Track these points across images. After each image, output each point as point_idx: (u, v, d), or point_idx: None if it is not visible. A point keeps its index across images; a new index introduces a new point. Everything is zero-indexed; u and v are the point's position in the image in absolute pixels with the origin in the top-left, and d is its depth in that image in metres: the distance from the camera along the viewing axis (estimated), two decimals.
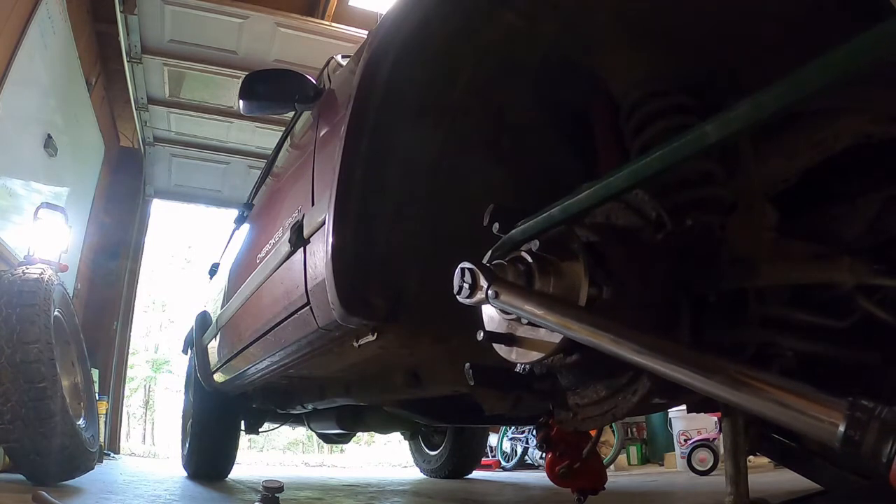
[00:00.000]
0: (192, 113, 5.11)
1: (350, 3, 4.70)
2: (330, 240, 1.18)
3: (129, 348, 6.15)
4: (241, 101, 1.82)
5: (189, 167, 5.97)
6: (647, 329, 0.81)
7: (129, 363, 7.20)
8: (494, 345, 0.88)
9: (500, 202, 0.91)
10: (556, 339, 0.79)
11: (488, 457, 5.57)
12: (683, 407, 1.38)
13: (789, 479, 1.75)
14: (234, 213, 3.11)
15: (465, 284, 0.83)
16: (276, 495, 1.52)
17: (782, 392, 0.48)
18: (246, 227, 2.59)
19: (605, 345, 0.64)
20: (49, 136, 3.76)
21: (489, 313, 0.91)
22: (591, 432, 1.36)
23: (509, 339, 0.86)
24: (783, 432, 1.27)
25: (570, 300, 0.78)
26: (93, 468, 2.48)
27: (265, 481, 1.52)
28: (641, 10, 0.96)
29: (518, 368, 0.89)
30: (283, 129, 2.75)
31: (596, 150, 1.14)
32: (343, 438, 3.93)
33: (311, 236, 1.42)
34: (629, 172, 0.71)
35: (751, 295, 0.85)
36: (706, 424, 4.13)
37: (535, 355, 0.83)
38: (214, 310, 2.81)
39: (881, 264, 0.75)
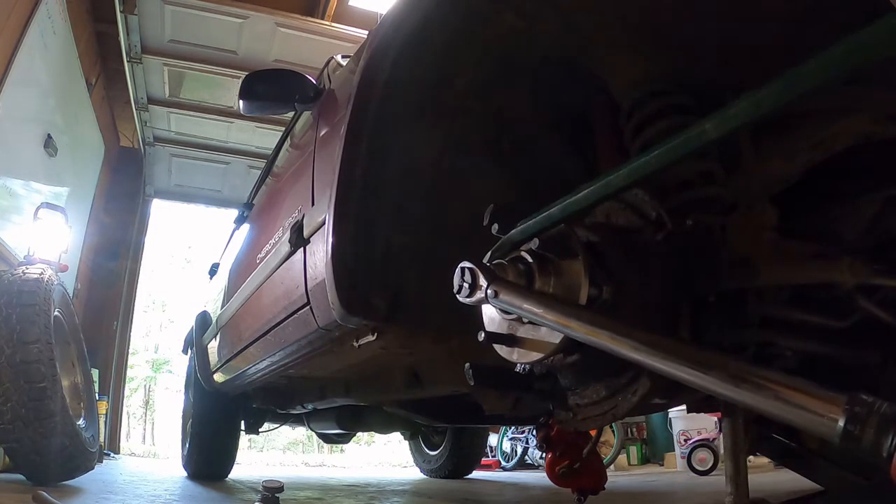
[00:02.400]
0: (192, 113, 5.11)
1: (350, 3, 4.70)
2: (330, 240, 1.18)
3: (129, 348, 6.15)
4: (241, 101, 1.82)
5: (189, 167, 5.97)
6: (647, 329, 0.82)
7: (129, 363, 7.20)
8: (495, 345, 0.88)
9: (500, 202, 0.91)
10: (557, 338, 0.79)
11: (488, 457, 5.56)
12: (683, 407, 1.38)
13: (789, 479, 1.75)
14: (234, 213, 3.11)
15: (464, 284, 0.83)
16: (276, 495, 1.52)
17: (782, 387, 0.48)
18: (246, 227, 2.59)
19: (604, 342, 0.64)
20: (49, 136, 3.76)
21: (489, 314, 0.91)
22: (591, 432, 1.36)
23: (510, 340, 0.86)
24: (783, 432, 1.27)
25: (569, 299, 0.78)
26: (93, 468, 2.48)
27: (265, 481, 1.52)
28: (641, 10, 0.96)
29: (518, 368, 0.89)
30: (283, 129, 2.75)
31: (596, 150, 1.14)
32: (343, 438, 3.93)
33: (311, 236, 1.42)
34: (629, 171, 0.71)
35: (751, 295, 0.85)
36: (706, 424, 4.13)
37: (536, 355, 0.83)
38: (214, 310, 2.81)
39: (881, 264, 0.75)
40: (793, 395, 0.47)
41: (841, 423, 0.43)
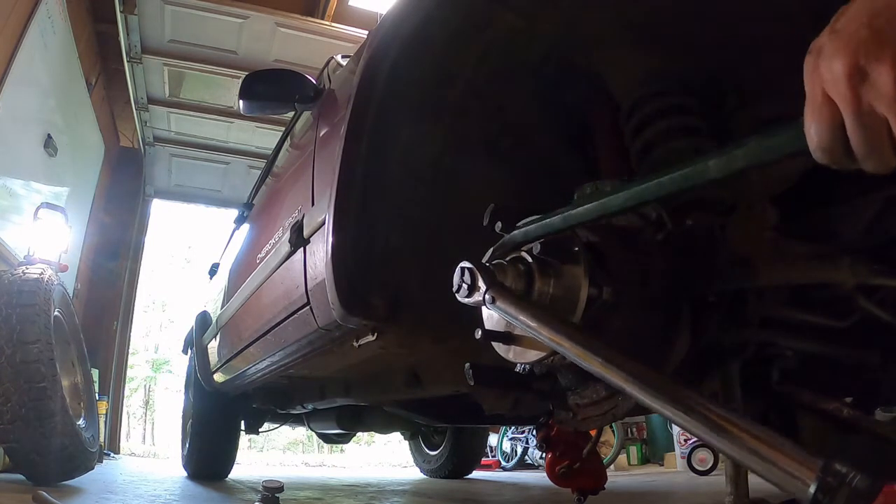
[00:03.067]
0: (192, 113, 5.11)
1: (350, 3, 4.70)
2: (330, 240, 1.18)
3: (129, 348, 6.15)
4: (241, 101, 1.82)
5: (189, 167, 5.97)
6: (647, 330, 0.82)
7: (129, 363, 7.20)
8: (493, 344, 0.87)
9: (500, 202, 0.91)
10: None
11: (488, 457, 5.57)
12: None
13: None
14: (234, 213, 3.11)
15: (464, 284, 0.83)
16: (276, 495, 1.52)
17: (759, 442, 0.49)
18: (246, 227, 2.59)
19: (594, 368, 0.64)
20: (49, 136, 3.76)
21: (488, 312, 0.91)
22: (591, 432, 1.37)
23: (508, 338, 0.86)
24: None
25: (565, 317, 0.77)
26: (93, 468, 2.48)
27: (265, 481, 1.52)
28: (642, 10, 0.96)
29: (518, 368, 0.89)
30: (283, 129, 2.75)
31: (596, 150, 1.14)
32: (343, 438, 3.93)
33: (311, 236, 1.42)
34: (626, 195, 0.71)
35: (751, 295, 0.85)
36: None
37: (535, 355, 0.82)
38: (214, 310, 2.81)
39: (881, 264, 0.75)
40: (769, 452, 0.48)
41: (811, 489, 0.44)
